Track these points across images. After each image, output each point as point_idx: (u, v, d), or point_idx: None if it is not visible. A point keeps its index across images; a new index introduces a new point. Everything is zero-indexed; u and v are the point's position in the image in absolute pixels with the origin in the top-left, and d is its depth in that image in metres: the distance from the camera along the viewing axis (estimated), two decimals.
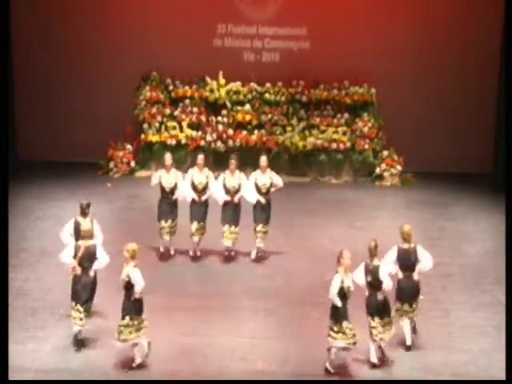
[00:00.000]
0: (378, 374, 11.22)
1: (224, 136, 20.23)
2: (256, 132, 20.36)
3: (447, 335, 12.33)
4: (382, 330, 11.49)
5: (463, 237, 16.38)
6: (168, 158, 14.72)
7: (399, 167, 20.13)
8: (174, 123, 20.41)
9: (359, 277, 11.75)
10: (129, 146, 20.29)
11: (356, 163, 20.32)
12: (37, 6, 20.40)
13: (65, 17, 20.45)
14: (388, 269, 11.81)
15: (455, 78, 20.61)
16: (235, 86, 20.78)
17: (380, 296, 11.50)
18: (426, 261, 12.18)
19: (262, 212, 14.66)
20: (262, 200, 14.54)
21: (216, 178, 14.74)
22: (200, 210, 14.59)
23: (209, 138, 20.18)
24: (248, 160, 20.05)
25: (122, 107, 20.18)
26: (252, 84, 20.81)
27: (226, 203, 14.57)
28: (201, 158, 14.74)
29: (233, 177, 14.64)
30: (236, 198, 14.58)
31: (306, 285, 13.85)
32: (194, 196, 14.54)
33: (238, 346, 11.84)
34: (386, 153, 20.33)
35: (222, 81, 20.76)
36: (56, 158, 20.29)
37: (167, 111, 20.55)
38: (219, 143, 20.15)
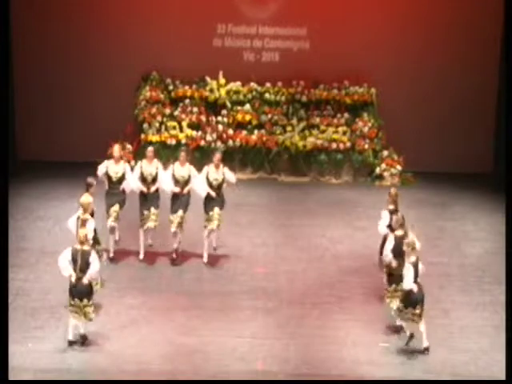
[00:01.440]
0: (378, 374, 11.23)
1: (224, 136, 20.23)
2: (256, 132, 20.35)
3: (447, 335, 12.34)
4: None
5: (463, 237, 16.39)
6: (116, 149, 14.86)
7: (399, 167, 20.13)
8: (174, 123, 20.40)
9: None
10: (129, 146, 20.28)
11: (356, 163, 20.31)
12: (37, 6, 20.39)
13: (65, 17, 20.42)
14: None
15: (455, 77, 20.61)
16: (235, 85, 20.77)
17: None
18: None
19: (213, 201, 14.58)
20: (213, 193, 14.55)
21: (165, 169, 14.92)
22: (150, 200, 14.71)
23: (209, 137, 20.18)
24: (248, 160, 20.17)
25: (122, 107, 20.17)
26: (252, 84, 20.81)
27: (175, 195, 14.69)
28: (150, 149, 15.11)
29: (182, 168, 14.74)
30: (185, 190, 14.63)
31: (305, 285, 13.86)
32: (143, 188, 14.68)
33: (238, 345, 11.85)
34: (385, 153, 20.33)
35: (222, 81, 20.75)
36: (56, 158, 20.27)
37: (167, 111, 20.54)
38: (219, 143, 20.15)
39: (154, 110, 20.42)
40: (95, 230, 13.09)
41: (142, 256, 14.79)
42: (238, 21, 20.93)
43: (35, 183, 18.83)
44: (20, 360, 11.27)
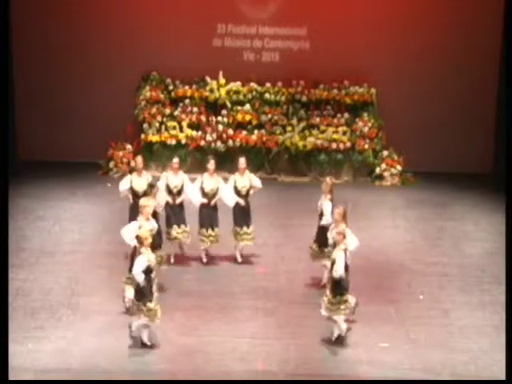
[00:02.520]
0: (378, 374, 11.22)
1: (224, 136, 20.23)
2: (256, 132, 20.36)
3: (447, 335, 12.34)
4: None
5: (463, 237, 16.39)
6: (139, 161, 14.32)
7: (399, 167, 20.14)
8: (174, 123, 20.41)
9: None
10: (129, 146, 20.30)
11: (356, 163, 20.32)
12: (37, 6, 20.39)
13: (65, 17, 20.43)
14: None
15: (455, 77, 20.62)
16: (235, 85, 20.78)
17: None
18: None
19: (243, 214, 14.41)
20: (242, 201, 14.31)
21: (193, 181, 14.50)
22: (177, 212, 14.29)
23: (209, 137, 20.19)
24: (248, 160, 20.11)
25: (122, 107, 20.18)
26: (252, 84, 20.82)
27: (202, 206, 14.34)
28: (175, 161, 14.39)
29: (211, 179, 14.38)
30: (213, 202, 14.32)
31: (306, 285, 13.86)
32: (169, 199, 14.21)
33: (238, 345, 11.84)
34: (385, 153, 20.34)
35: (222, 81, 20.76)
36: (56, 158, 20.28)
37: (167, 111, 20.55)
38: (219, 143, 20.16)
39: (154, 110, 20.43)
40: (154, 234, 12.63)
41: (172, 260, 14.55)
42: (237, 21, 20.93)
43: (35, 183, 18.83)
44: (20, 360, 11.27)
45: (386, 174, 20.12)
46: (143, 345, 11.69)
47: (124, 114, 20.13)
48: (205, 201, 14.27)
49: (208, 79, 20.76)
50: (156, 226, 12.75)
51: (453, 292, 13.83)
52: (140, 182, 14.19)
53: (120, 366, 11.30)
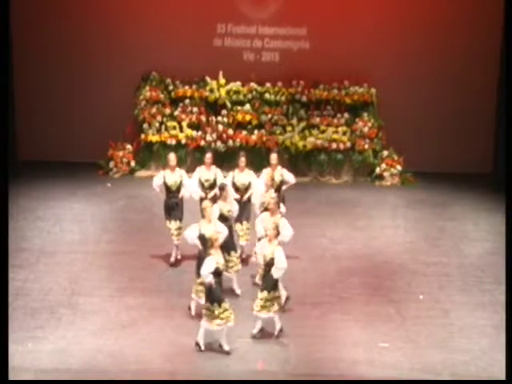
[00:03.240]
0: (378, 374, 11.23)
1: (224, 136, 20.24)
2: (256, 132, 20.36)
3: (447, 335, 12.34)
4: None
5: (463, 237, 16.39)
6: (172, 158, 14.47)
7: (399, 167, 20.14)
8: (174, 123, 20.41)
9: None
10: (129, 146, 20.30)
11: (356, 163, 20.32)
12: (37, 6, 20.40)
13: (65, 17, 20.43)
14: None
15: (455, 78, 20.61)
16: (235, 85, 20.78)
17: None
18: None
19: None
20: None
21: (225, 176, 14.57)
22: None
23: (209, 137, 20.19)
24: (248, 160, 20.11)
25: (122, 107, 20.18)
26: (252, 84, 20.82)
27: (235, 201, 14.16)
28: (208, 156, 14.56)
29: (242, 174, 14.47)
30: (245, 197, 14.32)
31: (305, 285, 13.85)
32: (202, 194, 14.31)
33: (238, 345, 11.84)
34: (385, 153, 20.34)
35: (222, 81, 20.76)
36: (56, 158, 20.29)
37: (167, 111, 20.55)
38: (219, 143, 20.16)
39: (153, 110, 20.43)
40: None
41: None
42: (237, 21, 20.93)
43: (35, 183, 18.84)
44: (20, 360, 11.27)
45: (385, 174, 20.12)
46: (220, 350, 11.67)
47: (124, 114, 20.13)
48: (237, 196, 14.22)
49: (208, 79, 20.76)
50: (224, 229, 12.63)
51: (453, 292, 13.83)
52: (173, 177, 14.33)
53: (120, 366, 11.30)
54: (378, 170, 20.16)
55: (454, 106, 20.69)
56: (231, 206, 13.55)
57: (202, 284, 12.11)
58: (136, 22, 20.46)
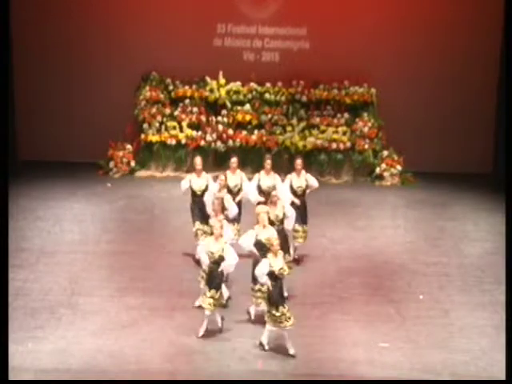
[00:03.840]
0: (378, 374, 11.23)
1: (224, 136, 20.24)
2: (256, 132, 20.36)
3: (447, 335, 12.34)
4: None
5: (463, 237, 16.39)
6: (198, 162, 14.36)
7: (399, 167, 20.14)
8: (174, 123, 20.41)
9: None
10: (129, 146, 20.30)
11: (356, 163, 20.32)
12: (37, 6, 20.39)
13: (65, 17, 20.43)
14: None
15: (455, 78, 20.61)
16: (235, 85, 20.78)
17: None
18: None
19: (298, 213, 14.03)
20: (297, 201, 14.13)
21: (250, 179, 14.55)
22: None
23: (209, 137, 20.19)
24: (248, 160, 20.16)
25: (122, 107, 20.17)
26: (252, 84, 20.82)
27: (259, 203, 13.96)
28: (234, 160, 14.47)
29: (268, 177, 14.40)
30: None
31: (306, 285, 13.85)
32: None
33: (238, 345, 11.84)
34: (385, 153, 20.34)
35: (222, 81, 20.76)
36: (56, 158, 20.29)
37: (167, 111, 20.55)
38: (219, 143, 20.16)
39: (153, 110, 20.43)
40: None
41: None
42: (237, 21, 20.93)
43: (35, 183, 18.84)
44: (20, 360, 11.27)
45: (385, 174, 20.12)
46: (285, 353, 11.69)
47: (124, 114, 20.13)
48: (262, 199, 14.16)
49: (208, 79, 20.75)
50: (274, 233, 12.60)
51: (453, 292, 13.83)
52: (199, 182, 14.26)
53: (120, 366, 11.30)
54: (377, 169, 20.16)
55: (454, 106, 20.69)
56: (286, 211, 13.36)
57: (259, 291, 12.32)
58: (136, 22, 20.46)
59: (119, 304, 12.99)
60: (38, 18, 20.39)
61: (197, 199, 14.22)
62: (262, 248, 12.23)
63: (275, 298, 11.68)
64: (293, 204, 14.11)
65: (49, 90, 20.64)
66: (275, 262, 11.71)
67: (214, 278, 12.06)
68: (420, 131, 20.63)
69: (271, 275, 11.66)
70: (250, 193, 14.31)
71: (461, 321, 12.79)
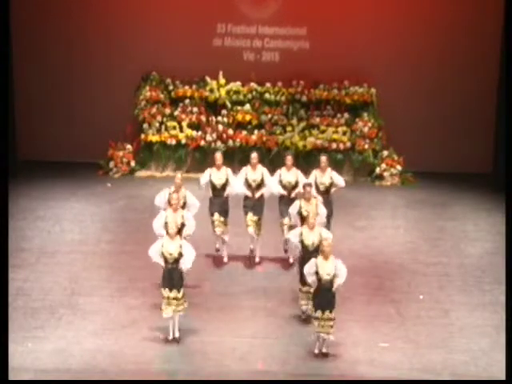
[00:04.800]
0: (378, 374, 11.22)
1: (224, 136, 20.23)
2: (256, 132, 20.36)
3: (447, 335, 12.34)
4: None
5: (463, 237, 16.39)
6: (218, 157, 14.48)
7: (399, 167, 20.13)
8: (174, 123, 20.41)
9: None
10: (129, 146, 20.30)
11: (356, 163, 20.31)
12: (37, 5, 20.39)
13: (65, 17, 20.42)
14: None
15: (455, 77, 20.61)
16: (235, 85, 20.78)
17: None
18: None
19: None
20: (320, 198, 14.00)
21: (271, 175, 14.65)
22: (255, 206, 14.48)
23: (209, 137, 20.19)
24: (248, 160, 20.13)
25: (122, 107, 20.18)
26: (252, 84, 20.81)
27: (282, 197, 14.46)
28: (254, 156, 14.58)
29: (289, 173, 14.50)
30: (293, 193, 14.38)
31: None
32: (248, 193, 14.46)
33: (238, 345, 11.84)
34: (385, 153, 20.33)
35: (222, 81, 20.76)
36: (56, 158, 20.29)
37: (167, 111, 20.55)
38: (219, 143, 20.16)
39: (153, 110, 20.43)
40: None
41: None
42: (237, 20, 20.92)
43: (35, 183, 18.83)
44: (20, 360, 11.27)
45: (386, 174, 20.11)
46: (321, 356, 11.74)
47: (124, 114, 20.13)
48: (285, 193, 14.39)
49: (208, 79, 20.75)
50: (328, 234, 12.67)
51: (453, 292, 13.83)
52: (219, 175, 14.38)
53: (120, 366, 11.30)
54: (377, 170, 20.15)
55: (454, 106, 20.68)
56: (318, 209, 13.40)
57: (307, 292, 12.29)
58: (136, 22, 20.45)
59: (119, 304, 12.99)
60: (38, 18, 20.39)
61: (217, 193, 14.39)
62: (306, 248, 12.44)
63: (317, 303, 11.63)
64: (282, 197, 14.40)
65: (48, 90, 20.64)
66: (323, 264, 11.62)
67: (175, 279, 11.99)
68: (420, 131, 20.63)
69: (317, 276, 11.61)
70: (273, 186, 14.42)
71: (461, 321, 12.78)
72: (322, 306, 11.58)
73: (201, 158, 20.08)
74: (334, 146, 20.21)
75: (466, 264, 14.99)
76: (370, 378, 11.16)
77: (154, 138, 20.21)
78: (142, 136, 20.27)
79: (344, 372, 11.32)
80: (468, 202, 18.60)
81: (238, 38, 21.04)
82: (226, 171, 14.48)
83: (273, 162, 20.15)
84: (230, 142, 20.16)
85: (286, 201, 14.34)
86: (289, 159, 14.57)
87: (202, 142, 20.16)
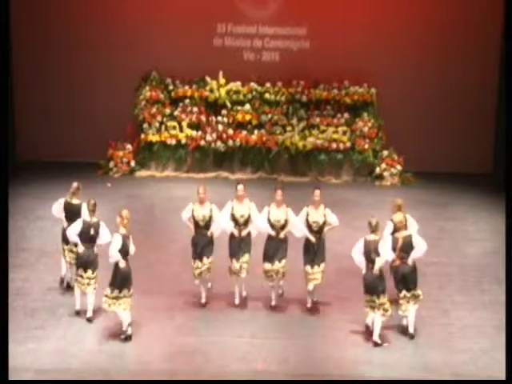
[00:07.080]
0: (378, 374, 11.23)
1: (224, 136, 20.24)
2: (256, 132, 20.36)
3: (447, 335, 12.34)
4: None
5: (463, 237, 16.39)
6: (201, 190, 12.90)
7: (399, 167, 20.14)
8: (174, 123, 20.42)
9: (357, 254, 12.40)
10: (129, 146, 20.31)
11: (356, 163, 20.32)
12: (37, 5, 20.41)
13: (65, 16, 20.45)
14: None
15: (455, 77, 20.62)
16: (235, 85, 20.79)
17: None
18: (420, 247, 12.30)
19: (312, 252, 13.03)
20: (312, 238, 12.96)
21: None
22: (241, 245, 13.00)
23: (209, 137, 20.19)
24: (248, 160, 20.19)
25: (122, 107, 20.19)
26: (252, 84, 20.82)
27: (269, 237, 12.95)
28: (240, 188, 12.94)
29: (278, 210, 12.97)
30: (282, 234, 12.93)
31: (305, 285, 13.83)
32: (234, 230, 12.92)
33: (238, 345, 11.84)
34: (385, 153, 20.35)
35: (222, 80, 20.76)
36: (56, 158, 20.31)
37: (167, 111, 20.56)
38: (219, 143, 20.16)
39: (154, 110, 20.44)
40: None
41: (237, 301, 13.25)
42: (238, 20, 20.95)
43: (35, 183, 18.83)
44: (20, 360, 11.27)
45: (385, 173, 20.12)
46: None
47: (124, 114, 20.15)
48: (273, 233, 12.92)
49: (208, 79, 20.76)
50: None
51: (453, 292, 13.83)
52: (202, 211, 12.92)
53: (120, 366, 11.30)
54: (377, 169, 20.16)
55: (454, 106, 20.70)
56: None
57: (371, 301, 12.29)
58: (136, 22, 20.48)
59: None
60: (38, 18, 20.41)
61: (199, 230, 12.96)
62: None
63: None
64: (308, 241, 13.05)
65: (48, 90, 20.66)
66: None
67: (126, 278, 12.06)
68: (420, 131, 20.64)
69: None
70: (262, 226, 12.88)
71: (461, 321, 12.78)
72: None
73: (201, 158, 20.10)
74: (334, 145, 20.22)
75: (465, 264, 15.00)
76: (370, 378, 11.15)
77: (153, 137, 20.22)
78: (142, 136, 20.27)
79: (344, 372, 11.31)
80: (468, 202, 18.61)
81: (238, 38, 21.06)
82: (209, 206, 12.91)
83: (273, 162, 20.30)
84: (230, 142, 20.17)
85: (273, 243, 12.92)
86: (279, 194, 12.95)
87: (202, 142, 20.17)
